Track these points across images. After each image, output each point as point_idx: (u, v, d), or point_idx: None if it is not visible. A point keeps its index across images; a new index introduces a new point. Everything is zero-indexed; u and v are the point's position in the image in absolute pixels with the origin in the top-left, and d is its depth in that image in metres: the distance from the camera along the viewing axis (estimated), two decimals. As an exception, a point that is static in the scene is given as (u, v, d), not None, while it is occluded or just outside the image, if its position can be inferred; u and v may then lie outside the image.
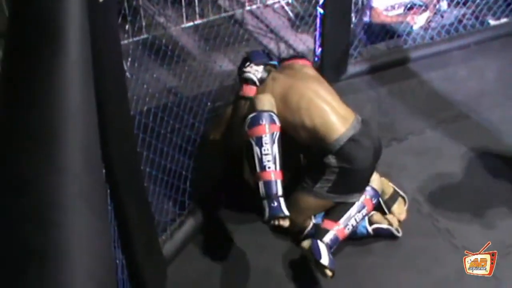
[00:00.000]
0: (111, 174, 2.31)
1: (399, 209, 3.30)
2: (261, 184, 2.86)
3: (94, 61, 1.72)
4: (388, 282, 2.99)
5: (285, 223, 2.86)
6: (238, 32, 4.32)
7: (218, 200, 3.40)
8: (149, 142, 2.97)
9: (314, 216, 3.16)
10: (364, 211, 3.09)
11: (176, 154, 3.27)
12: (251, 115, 2.96)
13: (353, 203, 3.06)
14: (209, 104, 3.72)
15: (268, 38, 4.81)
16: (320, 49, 4.21)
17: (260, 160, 2.88)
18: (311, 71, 3.28)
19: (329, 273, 2.88)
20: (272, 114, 2.95)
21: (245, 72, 3.19)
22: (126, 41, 4.06)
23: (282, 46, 4.74)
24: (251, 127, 2.93)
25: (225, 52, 4.26)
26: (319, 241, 2.94)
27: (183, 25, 4.54)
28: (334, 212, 3.08)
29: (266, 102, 2.99)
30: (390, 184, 3.35)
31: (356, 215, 3.05)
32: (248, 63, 3.22)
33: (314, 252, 2.89)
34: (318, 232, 3.03)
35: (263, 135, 2.89)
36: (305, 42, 4.61)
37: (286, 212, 2.83)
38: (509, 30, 4.86)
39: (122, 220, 2.46)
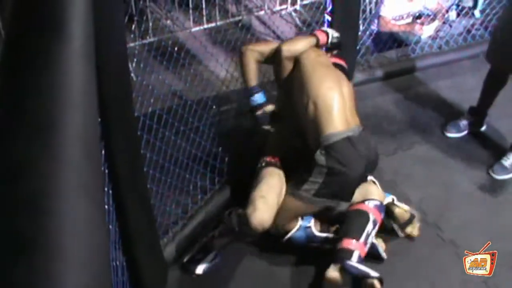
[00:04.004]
0: (114, 174, 2.30)
1: (412, 228, 3.21)
2: None
3: (99, 60, 1.70)
4: (392, 290, 2.96)
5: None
6: (245, 37, 4.30)
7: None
8: (153, 144, 2.95)
9: (302, 218, 3.06)
10: (377, 227, 3.00)
11: (180, 156, 3.23)
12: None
13: (367, 220, 2.95)
14: (214, 107, 3.71)
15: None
16: (327, 56, 4.19)
17: None
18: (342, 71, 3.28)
19: (378, 285, 2.82)
20: None
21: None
22: (132, 44, 4.06)
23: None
24: None
25: (232, 57, 4.24)
26: (351, 263, 2.85)
27: (190, 29, 4.53)
28: (352, 229, 2.96)
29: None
30: (405, 207, 3.22)
31: (372, 232, 2.96)
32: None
33: (361, 273, 2.83)
34: (342, 254, 2.88)
35: None
36: (313, 48, 4.58)
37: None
38: (518, 41, 4.83)
39: (123, 221, 2.44)
